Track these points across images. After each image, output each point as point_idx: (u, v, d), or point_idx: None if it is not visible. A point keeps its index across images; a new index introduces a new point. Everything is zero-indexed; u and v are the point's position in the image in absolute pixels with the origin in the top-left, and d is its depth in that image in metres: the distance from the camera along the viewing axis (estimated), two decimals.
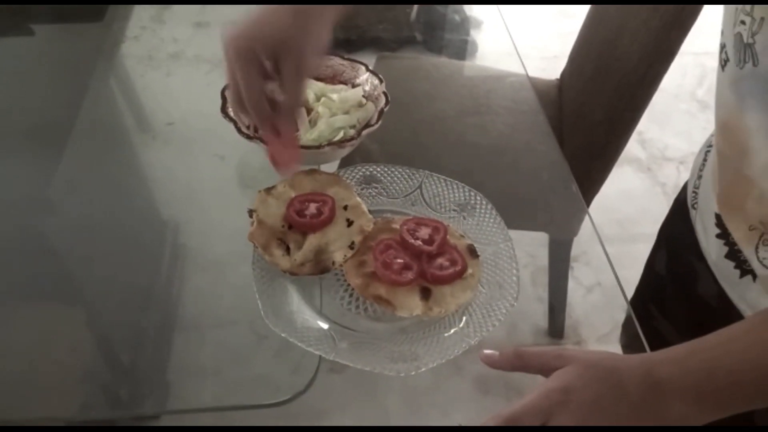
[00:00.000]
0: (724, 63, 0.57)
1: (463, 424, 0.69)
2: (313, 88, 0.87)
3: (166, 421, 0.73)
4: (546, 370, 0.50)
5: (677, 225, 0.78)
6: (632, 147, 2.08)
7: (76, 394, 0.71)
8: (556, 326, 1.20)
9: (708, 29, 2.71)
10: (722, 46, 0.56)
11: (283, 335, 0.62)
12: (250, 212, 0.72)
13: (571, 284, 1.19)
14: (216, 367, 0.72)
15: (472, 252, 0.71)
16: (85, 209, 0.88)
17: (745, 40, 0.51)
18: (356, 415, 0.77)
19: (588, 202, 1.22)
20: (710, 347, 0.49)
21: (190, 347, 0.75)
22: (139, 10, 1.25)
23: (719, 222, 0.64)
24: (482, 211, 0.76)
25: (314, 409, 0.76)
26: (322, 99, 0.85)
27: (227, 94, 0.77)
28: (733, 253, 0.63)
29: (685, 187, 0.78)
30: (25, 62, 1.13)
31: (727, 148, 0.60)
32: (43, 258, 0.83)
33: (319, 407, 0.77)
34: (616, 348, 0.86)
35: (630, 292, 0.90)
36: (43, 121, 1.00)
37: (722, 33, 0.56)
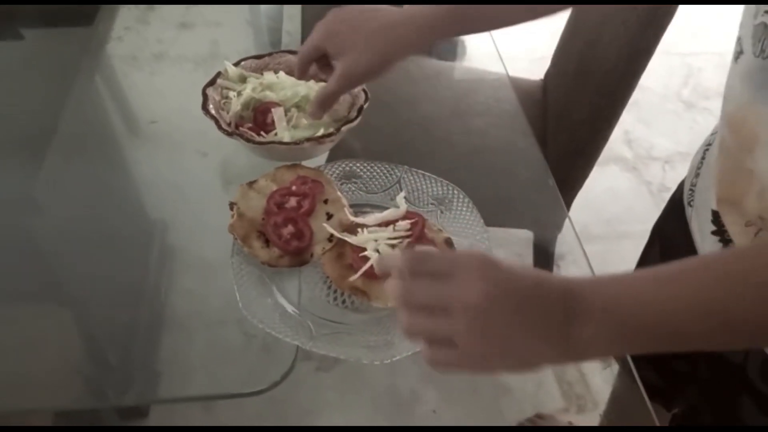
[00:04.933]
0: (738, 55, 0.57)
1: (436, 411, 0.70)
2: (294, 86, 0.88)
3: (153, 415, 0.73)
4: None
5: (672, 223, 0.78)
6: (619, 146, 2.10)
7: (65, 387, 0.71)
8: None
9: (693, 30, 2.73)
10: (738, 39, 0.57)
11: (260, 326, 0.63)
12: (231, 205, 0.73)
13: None
14: (201, 363, 0.72)
15: (450, 245, 0.72)
16: (69, 208, 0.88)
17: None
18: (344, 413, 0.78)
19: (572, 200, 1.23)
20: (648, 280, 0.46)
21: (176, 344, 0.76)
22: (125, 11, 1.25)
23: (715, 219, 0.64)
24: (459, 204, 0.78)
25: (302, 407, 0.76)
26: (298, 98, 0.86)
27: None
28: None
29: (680, 186, 0.78)
30: (13, 65, 1.14)
31: (732, 142, 0.60)
32: (29, 258, 0.84)
33: (308, 405, 0.77)
34: None
35: None
36: (29, 123, 1.01)
37: (741, 25, 0.56)
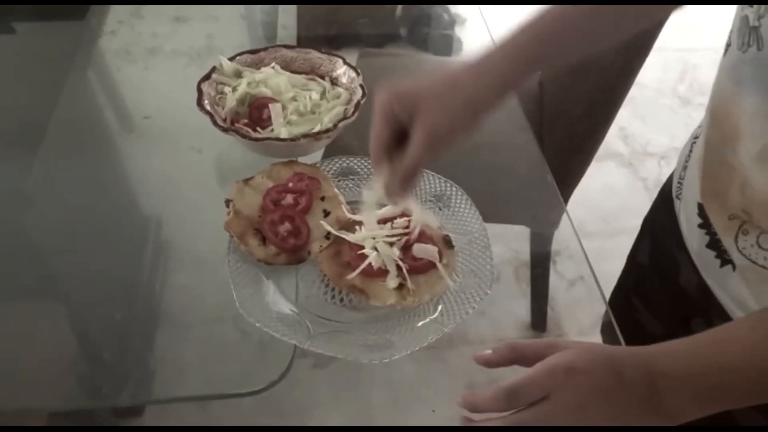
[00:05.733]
0: (726, 48, 0.57)
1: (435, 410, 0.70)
2: (290, 81, 0.87)
3: (148, 413, 0.73)
4: (541, 360, 0.50)
5: (661, 216, 0.78)
6: (614, 142, 2.10)
7: (59, 387, 0.70)
8: (538, 319, 1.20)
9: (689, 26, 2.73)
10: (730, 32, 0.57)
11: (257, 325, 0.62)
12: (227, 202, 0.72)
13: (554, 278, 1.20)
14: (197, 361, 0.72)
15: (448, 242, 0.72)
16: (62, 204, 0.87)
17: (750, 23, 0.52)
18: (341, 410, 0.77)
19: (568, 196, 1.23)
20: (711, 343, 0.49)
21: (172, 342, 0.75)
22: (118, 5, 1.24)
23: (701, 211, 0.64)
24: (458, 201, 0.77)
25: (299, 404, 0.76)
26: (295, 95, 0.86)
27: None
28: (714, 243, 0.63)
29: (670, 179, 0.78)
30: (5, 60, 1.13)
31: (715, 136, 0.60)
32: (20, 255, 0.83)
33: (304, 403, 0.77)
34: (597, 341, 0.86)
35: (611, 286, 0.91)
36: (21, 118, 1.00)
37: (734, 19, 0.56)
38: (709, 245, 0.64)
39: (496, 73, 0.58)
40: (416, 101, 0.56)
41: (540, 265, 1.13)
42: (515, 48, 0.58)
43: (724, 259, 0.63)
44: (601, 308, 0.80)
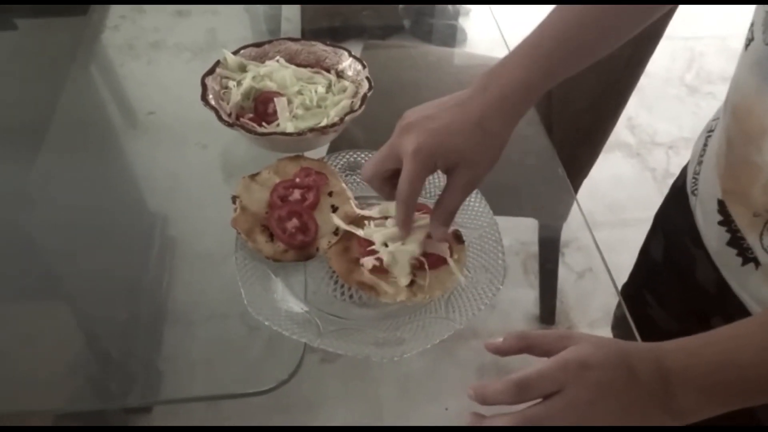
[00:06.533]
0: (748, 42, 0.55)
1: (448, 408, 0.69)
2: (295, 74, 0.86)
3: (158, 410, 0.72)
4: (551, 352, 0.49)
5: (674, 211, 0.77)
6: (622, 132, 2.08)
7: (66, 388, 0.70)
8: (547, 312, 1.20)
9: (695, 14, 2.71)
10: (751, 25, 0.55)
11: (266, 323, 0.62)
12: (234, 198, 0.71)
13: (563, 270, 1.19)
14: (205, 359, 0.71)
15: (458, 238, 0.71)
16: (66, 202, 0.87)
17: None
18: (349, 404, 0.77)
19: (577, 188, 1.21)
20: (723, 341, 0.48)
21: (180, 340, 0.75)
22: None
23: (722, 209, 0.63)
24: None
25: (306, 399, 0.76)
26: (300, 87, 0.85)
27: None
28: (736, 241, 0.62)
29: (682, 173, 0.77)
30: (7, 56, 1.12)
31: (737, 134, 0.59)
32: (25, 254, 0.82)
33: (312, 398, 0.76)
34: (606, 334, 0.85)
35: (621, 277, 0.90)
36: (24, 115, 0.99)
37: (755, 11, 0.55)
38: (730, 243, 0.63)
39: (517, 113, 0.65)
40: (458, 158, 0.61)
41: (549, 257, 1.12)
42: (530, 84, 0.65)
43: (746, 257, 0.61)
44: (610, 300, 0.80)
